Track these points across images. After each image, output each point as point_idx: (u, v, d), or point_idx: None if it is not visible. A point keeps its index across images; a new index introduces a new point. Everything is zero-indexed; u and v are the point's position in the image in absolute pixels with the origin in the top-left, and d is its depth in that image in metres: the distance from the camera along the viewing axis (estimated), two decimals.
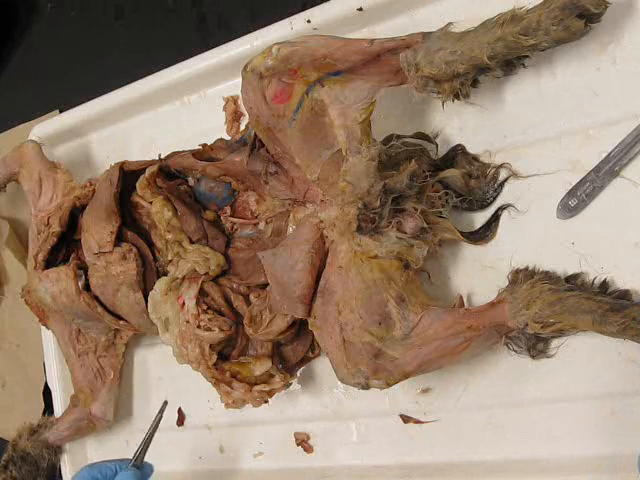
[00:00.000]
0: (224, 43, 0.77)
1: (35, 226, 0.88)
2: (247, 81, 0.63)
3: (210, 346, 0.71)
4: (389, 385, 0.62)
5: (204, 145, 0.75)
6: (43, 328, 0.92)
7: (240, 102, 0.80)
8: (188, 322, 0.71)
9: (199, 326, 0.71)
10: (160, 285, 0.74)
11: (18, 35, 1.10)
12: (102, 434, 0.88)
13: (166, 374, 0.86)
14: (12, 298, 1.03)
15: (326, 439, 0.74)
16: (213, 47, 0.77)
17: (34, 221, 0.88)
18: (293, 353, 0.73)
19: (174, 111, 0.86)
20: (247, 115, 0.76)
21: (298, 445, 0.75)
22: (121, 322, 0.80)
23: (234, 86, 0.80)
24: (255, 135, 0.69)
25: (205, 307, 0.72)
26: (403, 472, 0.68)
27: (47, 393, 0.97)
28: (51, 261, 0.84)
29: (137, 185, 0.76)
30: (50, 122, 0.94)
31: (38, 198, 0.88)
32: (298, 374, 0.74)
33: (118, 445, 0.88)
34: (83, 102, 0.91)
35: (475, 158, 0.64)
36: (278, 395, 0.73)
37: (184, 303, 0.72)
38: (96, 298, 0.80)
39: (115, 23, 0.98)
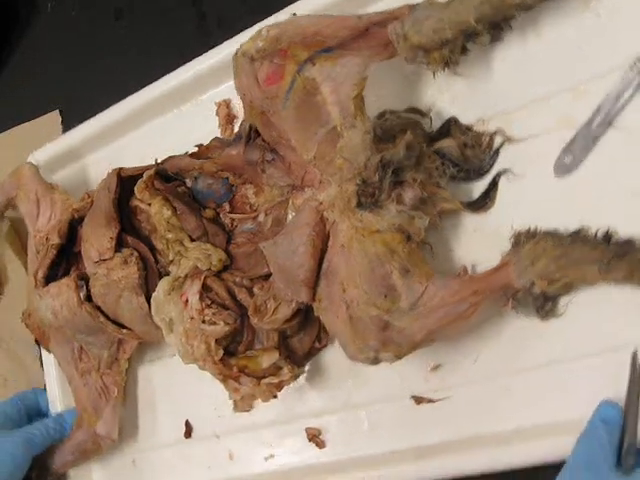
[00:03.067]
0: (223, 43, 0.80)
1: (34, 246, 0.89)
2: (239, 66, 0.65)
3: (216, 341, 0.72)
4: (399, 357, 0.62)
5: (200, 146, 0.78)
6: (44, 352, 0.92)
7: (232, 105, 0.82)
8: (193, 318, 0.72)
9: (204, 321, 0.72)
10: (163, 285, 0.75)
11: (18, 35, 1.14)
12: (107, 454, 0.87)
13: (170, 388, 0.86)
14: (11, 296, 1.06)
15: (338, 431, 0.74)
16: (213, 46, 0.80)
17: (32, 242, 0.90)
18: (300, 345, 0.74)
19: (168, 122, 0.89)
20: (240, 117, 0.80)
21: (310, 441, 0.75)
22: (124, 331, 0.81)
23: (227, 89, 0.82)
24: (250, 127, 0.71)
25: (209, 302, 0.73)
26: (420, 453, 0.67)
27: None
28: (51, 277, 0.85)
29: (135, 188, 0.78)
30: (46, 148, 0.97)
31: (36, 219, 0.90)
32: (306, 367, 0.74)
33: (124, 465, 0.88)
34: (83, 102, 0.97)
35: (469, 128, 0.66)
36: (287, 392, 0.74)
37: (187, 300, 0.73)
38: (98, 308, 0.81)
39: (115, 23, 1.01)
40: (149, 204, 0.77)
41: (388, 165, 0.62)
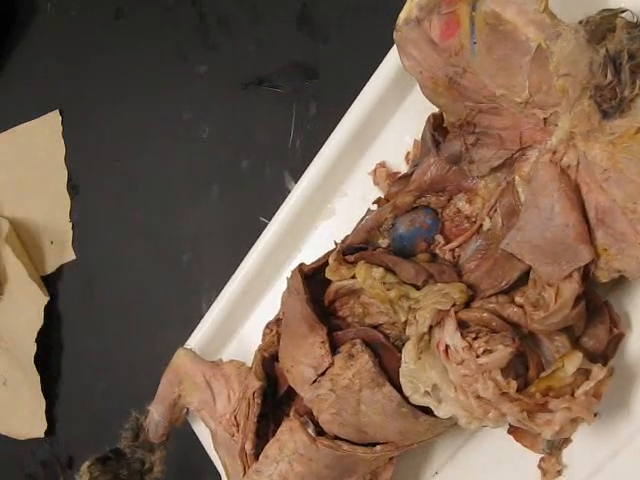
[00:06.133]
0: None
1: (223, 434, 0.83)
2: (405, 39, 0.65)
3: (502, 374, 0.63)
4: None
5: (379, 199, 0.74)
6: None
7: (389, 163, 0.80)
8: (463, 362, 0.65)
9: (478, 356, 0.64)
10: (408, 354, 0.69)
11: (18, 35, 1.24)
12: None
13: None
14: (11, 296, 1.18)
15: None
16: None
17: (219, 431, 0.84)
18: (596, 340, 0.67)
19: (325, 228, 0.86)
20: (402, 169, 0.77)
21: None
22: (377, 447, 0.73)
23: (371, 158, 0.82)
24: (433, 134, 0.69)
25: (473, 334, 0.65)
26: None
27: (46, 389, 1.18)
28: (260, 446, 0.78)
29: (327, 274, 0.73)
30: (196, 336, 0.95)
31: (214, 404, 0.86)
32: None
33: None
34: (83, 102, 1.14)
35: None
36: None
37: (447, 346, 0.66)
38: (336, 438, 0.73)
39: (115, 23, 1.11)
40: (352, 277, 0.70)
41: (617, 54, 0.59)
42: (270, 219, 0.87)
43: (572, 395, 0.64)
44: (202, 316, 0.95)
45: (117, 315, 1.17)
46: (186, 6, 1.05)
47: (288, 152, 0.93)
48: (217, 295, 0.93)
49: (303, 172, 0.84)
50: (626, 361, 0.68)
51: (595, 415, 0.64)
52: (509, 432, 0.72)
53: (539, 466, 0.72)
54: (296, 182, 0.84)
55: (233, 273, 0.91)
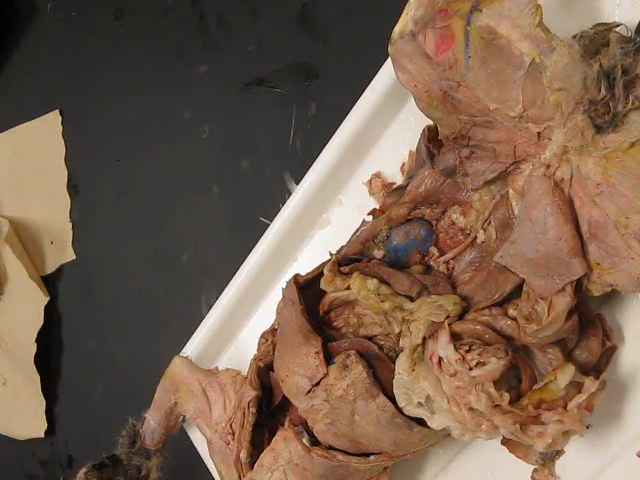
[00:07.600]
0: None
1: (219, 442, 0.83)
2: (399, 53, 0.65)
3: (495, 386, 0.64)
4: None
5: (374, 211, 0.74)
6: None
7: (384, 174, 0.80)
8: (456, 373, 0.66)
9: (471, 368, 0.64)
10: (402, 365, 0.69)
11: (18, 35, 1.24)
12: None
13: None
14: (11, 296, 1.19)
15: None
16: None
17: (215, 439, 0.84)
18: (589, 353, 0.67)
19: (320, 238, 0.86)
20: (398, 180, 0.77)
21: None
22: (371, 457, 0.73)
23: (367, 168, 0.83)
24: (427, 146, 0.69)
25: (467, 347, 0.65)
26: None
27: (46, 389, 1.19)
28: (255, 455, 0.78)
29: (322, 284, 0.74)
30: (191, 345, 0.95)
31: (209, 412, 0.86)
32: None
33: None
34: (83, 102, 1.15)
35: None
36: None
37: (440, 358, 0.66)
38: (330, 448, 0.73)
39: (115, 23, 1.12)
40: (347, 288, 0.71)
41: (611, 69, 0.59)
42: (270, 219, 0.87)
43: (564, 408, 0.64)
44: (202, 316, 0.94)
45: (117, 315, 1.17)
46: (186, 6, 1.05)
47: (288, 152, 0.94)
48: (217, 295, 0.93)
49: (303, 172, 0.84)
50: (619, 373, 0.68)
51: (587, 427, 0.64)
52: (503, 443, 0.72)
53: (532, 477, 0.72)
54: (296, 182, 0.85)
55: (233, 273, 0.91)
